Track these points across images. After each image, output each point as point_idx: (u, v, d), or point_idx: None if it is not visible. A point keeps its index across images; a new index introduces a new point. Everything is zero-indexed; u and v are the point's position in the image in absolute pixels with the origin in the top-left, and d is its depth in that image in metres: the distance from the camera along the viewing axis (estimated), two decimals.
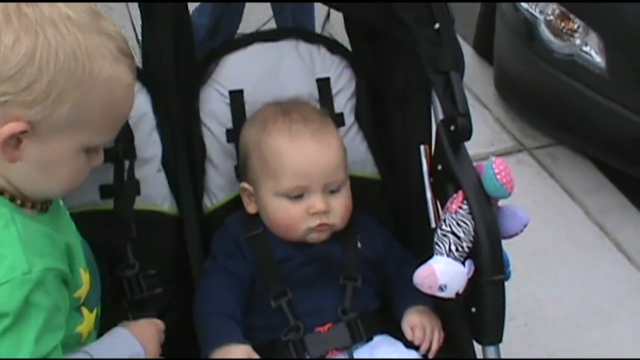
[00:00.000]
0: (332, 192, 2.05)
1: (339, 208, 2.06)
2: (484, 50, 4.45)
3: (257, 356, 1.91)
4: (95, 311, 1.79)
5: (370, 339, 2.03)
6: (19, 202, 1.60)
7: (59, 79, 1.48)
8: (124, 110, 1.65)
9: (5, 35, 1.46)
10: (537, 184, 3.80)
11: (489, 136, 3.93)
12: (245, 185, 2.10)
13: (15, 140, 1.51)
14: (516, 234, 2.00)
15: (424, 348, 2.00)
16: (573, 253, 3.46)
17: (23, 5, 1.48)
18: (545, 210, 3.62)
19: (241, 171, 2.15)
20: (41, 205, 1.65)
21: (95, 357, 1.72)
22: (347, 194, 2.09)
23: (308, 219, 2.03)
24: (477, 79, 4.23)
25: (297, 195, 2.03)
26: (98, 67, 1.52)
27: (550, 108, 3.95)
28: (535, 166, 3.89)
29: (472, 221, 1.91)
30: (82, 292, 1.71)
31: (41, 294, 1.52)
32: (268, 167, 2.04)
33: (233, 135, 2.19)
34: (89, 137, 1.58)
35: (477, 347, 2.02)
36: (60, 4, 1.51)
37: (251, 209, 2.11)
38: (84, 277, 1.73)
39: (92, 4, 1.58)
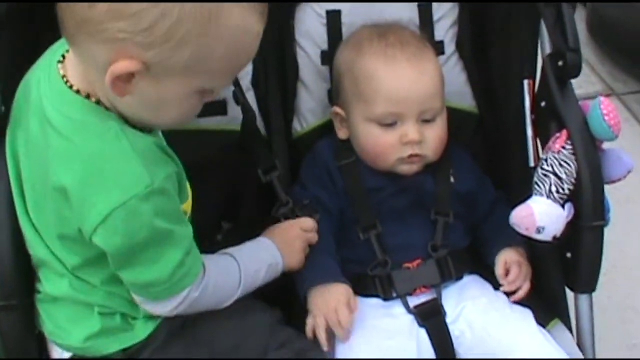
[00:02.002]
0: (427, 121, 1.97)
1: (432, 139, 1.97)
2: None
3: (355, 300, 1.85)
4: None
5: (459, 277, 1.98)
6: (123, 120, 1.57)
7: (182, 25, 1.42)
8: (247, 57, 1.58)
9: None
10: (625, 130, 3.60)
11: (578, 78, 3.82)
12: (337, 109, 2.03)
13: (127, 75, 1.46)
14: (619, 180, 1.95)
15: (511, 287, 1.93)
16: None
17: None
18: (632, 158, 3.51)
19: (334, 95, 2.08)
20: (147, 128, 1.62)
21: (238, 260, 1.76)
22: (442, 125, 2.00)
23: (399, 148, 1.95)
24: None
25: (390, 123, 1.95)
26: (226, 15, 1.45)
27: None
28: (624, 112, 3.78)
29: (574, 162, 1.85)
30: (187, 206, 1.70)
31: (165, 200, 1.55)
32: (361, 91, 1.96)
33: (328, 57, 2.11)
34: (206, 82, 1.53)
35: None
36: None
37: (342, 134, 2.04)
38: (189, 190, 1.70)
39: None
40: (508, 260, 1.96)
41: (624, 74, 3.98)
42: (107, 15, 1.41)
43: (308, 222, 1.92)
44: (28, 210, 1.66)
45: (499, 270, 1.96)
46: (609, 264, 3.03)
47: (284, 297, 1.91)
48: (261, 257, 1.82)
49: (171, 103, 1.54)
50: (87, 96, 1.55)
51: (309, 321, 1.82)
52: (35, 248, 1.67)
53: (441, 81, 2.02)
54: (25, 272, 1.71)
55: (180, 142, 1.68)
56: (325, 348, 1.79)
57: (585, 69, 3.94)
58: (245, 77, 2.06)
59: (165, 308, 1.65)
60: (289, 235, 1.88)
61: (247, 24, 1.49)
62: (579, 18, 4.16)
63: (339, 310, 1.81)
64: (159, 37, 1.42)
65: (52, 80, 1.58)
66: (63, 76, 1.58)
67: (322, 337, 1.80)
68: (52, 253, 1.65)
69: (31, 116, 1.60)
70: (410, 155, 1.96)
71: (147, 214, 1.51)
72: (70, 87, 1.56)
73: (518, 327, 1.87)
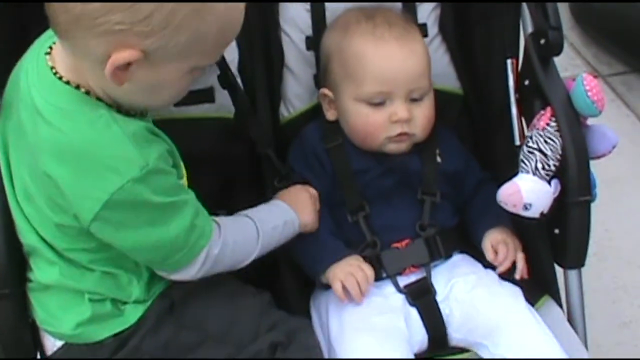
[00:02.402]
0: (415, 100, 1.98)
1: (420, 117, 1.99)
2: None
3: (370, 267, 1.90)
4: None
5: (449, 256, 1.99)
6: (115, 109, 1.59)
7: (179, 9, 1.45)
8: (235, 32, 1.62)
9: None
10: (611, 112, 3.69)
11: (562, 61, 3.77)
12: (325, 91, 2.04)
13: (125, 65, 1.49)
14: (604, 155, 1.95)
15: (505, 265, 1.94)
16: None
17: None
18: (619, 139, 3.52)
19: (321, 77, 2.09)
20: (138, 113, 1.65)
21: (254, 218, 1.80)
22: (430, 104, 2.02)
23: (389, 127, 1.96)
24: None
25: (379, 102, 1.96)
26: None
27: (628, 35, 3.82)
28: (610, 93, 3.78)
29: (560, 139, 1.86)
30: (184, 183, 1.72)
31: (162, 178, 1.58)
32: (349, 71, 1.97)
33: (313, 42, 2.12)
34: (199, 61, 1.58)
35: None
36: None
37: (331, 115, 2.05)
38: (183, 170, 1.73)
39: None
40: (493, 242, 1.97)
41: (609, 56, 3.97)
42: (103, 8, 1.43)
43: (313, 189, 1.97)
44: (18, 200, 1.67)
45: (489, 255, 1.96)
46: (597, 244, 3.07)
47: (272, 281, 1.93)
48: (277, 215, 1.86)
49: (167, 85, 1.58)
50: (77, 87, 1.57)
51: (338, 287, 1.86)
52: (26, 236, 1.69)
53: (428, 61, 2.03)
54: (17, 261, 1.72)
55: (171, 132, 1.70)
56: (359, 299, 1.85)
57: (570, 52, 3.97)
58: (231, 64, 2.05)
59: (190, 272, 1.68)
60: (299, 197, 1.93)
61: (236, 3, 1.55)
62: (563, 3, 4.19)
63: (363, 267, 1.87)
64: (157, 25, 1.45)
65: (40, 72, 1.60)
66: (52, 67, 1.59)
67: (355, 287, 1.85)
68: (43, 240, 1.66)
69: (21, 107, 1.61)
70: (400, 134, 1.97)
71: (146, 194, 1.54)
72: (60, 78, 1.57)
73: (506, 303, 1.88)
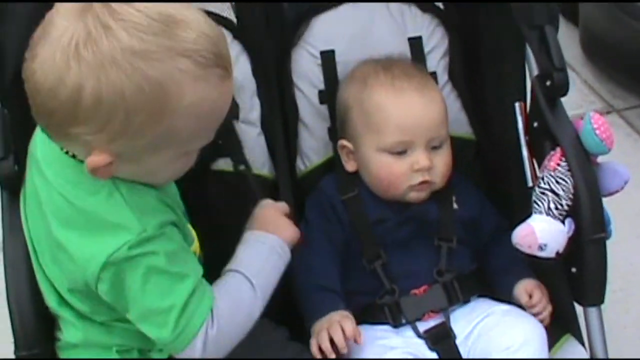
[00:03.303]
0: (435, 148, 2.02)
1: (440, 165, 2.02)
2: (570, 10, 4.35)
3: (352, 322, 1.88)
4: None
5: (467, 301, 2.01)
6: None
7: (135, 117, 1.44)
8: (219, 115, 1.58)
9: (70, 77, 1.42)
10: (628, 145, 3.70)
11: (577, 98, 3.85)
12: (344, 142, 2.07)
13: (106, 164, 1.50)
14: (617, 191, 1.96)
15: (537, 310, 1.96)
16: None
17: (81, 48, 1.41)
18: (638, 172, 3.52)
19: (339, 129, 2.12)
20: None
21: (241, 270, 1.72)
22: (448, 151, 2.05)
23: (410, 175, 2.00)
24: (562, 40, 4.11)
25: (400, 152, 1.99)
26: (176, 94, 1.45)
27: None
28: (626, 127, 3.79)
29: (571, 178, 1.88)
30: (196, 247, 1.74)
31: (162, 245, 1.56)
32: (371, 122, 2.01)
33: (325, 96, 2.16)
34: (183, 148, 1.56)
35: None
36: (126, 22, 1.42)
37: (350, 166, 2.08)
38: (193, 233, 1.75)
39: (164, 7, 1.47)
40: (528, 288, 1.99)
41: (623, 91, 3.98)
42: (65, 120, 1.46)
43: (267, 200, 1.92)
44: (40, 262, 1.70)
45: (523, 299, 1.98)
46: (623, 279, 3.07)
47: (288, 317, 1.96)
48: (257, 249, 1.77)
49: (159, 170, 1.58)
50: (81, 161, 1.56)
51: (313, 341, 1.87)
52: (49, 299, 1.72)
53: (445, 109, 2.07)
54: (45, 321, 1.75)
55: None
56: (331, 356, 1.83)
57: (583, 88, 3.99)
58: (257, 122, 2.12)
59: (193, 354, 1.63)
60: (266, 217, 1.84)
61: (202, 95, 1.48)
62: (574, 39, 4.22)
63: (342, 322, 1.86)
64: (115, 132, 1.45)
65: (48, 143, 1.62)
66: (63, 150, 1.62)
67: (327, 346, 1.84)
68: (66, 303, 1.69)
69: (35, 173, 1.66)
70: (421, 182, 2.01)
71: (143, 260, 1.54)
72: (66, 152, 1.59)
73: (525, 330, 1.89)
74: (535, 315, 1.95)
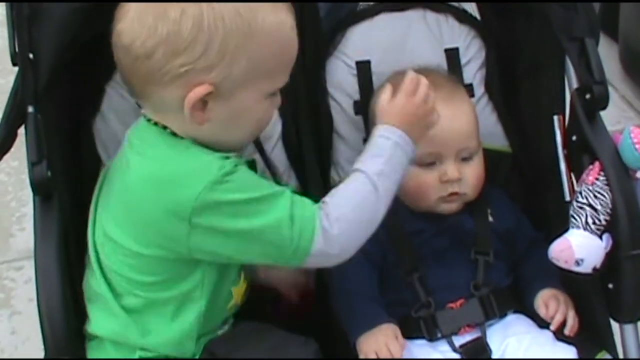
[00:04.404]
0: (465, 159, 2.00)
1: (471, 177, 2.01)
2: (609, 26, 4.31)
3: (401, 337, 1.87)
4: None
5: (503, 315, 1.98)
6: None
7: (230, 39, 1.58)
8: (293, 50, 1.72)
9: (171, 11, 1.57)
10: None
11: (615, 114, 3.83)
12: None
13: (202, 103, 1.61)
14: None
15: (557, 319, 1.93)
16: None
17: None
18: None
19: None
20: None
21: (369, 172, 1.74)
22: (479, 163, 2.04)
23: (439, 187, 1.98)
24: (602, 55, 4.10)
25: (429, 163, 1.98)
26: (262, 18, 1.61)
27: None
28: None
29: (609, 193, 1.85)
30: (238, 295, 1.83)
31: (242, 176, 1.65)
32: None
33: (361, 107, 2.16)
34: (268, 84, 1.68)
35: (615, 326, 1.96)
36: None
37: None
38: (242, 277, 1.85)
39: None
40: (544, 298, 1.97)
41: None
42: (164, 57, 1.58)
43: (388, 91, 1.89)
44: (97, 246, 1.75)
45: (542, 312, 1.95)
46: None
47: (321, 330, 1.93)
48: (382, 147, 1.78)
49: (246, 115, 1.68)
50: (164, 128, 1.69)
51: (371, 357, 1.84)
52: (96, 283, 1.75)
53: (476, 120, 2.06)
54: (76, 328, 1.76)
55: None
56: None
57: (622, 104, 3.97)
58: (274, 136, 2.11)
59: (325, 253, 1.67)
60: (390, 110, 1.84)
61: (281, 20, 1.66)
62: (613, 55, 4.19)
63: (390, 344, 1.84)
64: (214, 57, 1.58)
65: (138, 126, 1.76)
66: (148, 120, 1.72)
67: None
68: (112, 290, 1.73)
69: (117, 158, 1.81)
70: (451, 194, 1.99)
71: (228, 194, 1.60)
72: (155, 123, 1.70)
73: None
74: (558, 327, 1.93)
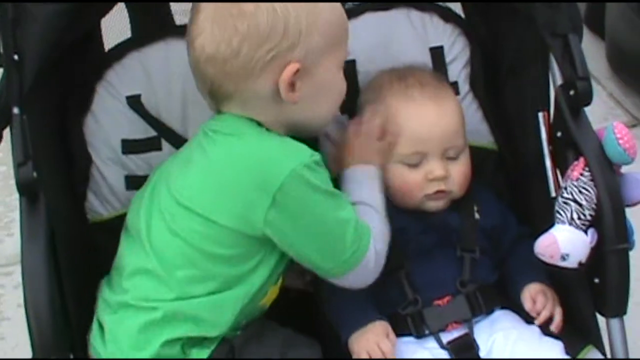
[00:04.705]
0: (451, 158, 2.01)
1: (457, 175, 2.02)
2: (595, 24, 4.34)
3: (392, 334, 1.90)
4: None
5: (490, 312, 1.99)
6: None
7: (301, 17, 1.74)
8: (346, 20, 1.88)
9: (245, 7, 1.72)
10: None
11: (602, 111, 3.84)
12: None
13: (291, 85, 1.76)
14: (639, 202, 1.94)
15: (544, 315, 1.94)
16: None
17: None
18: None
19: None
20: None
21: (374, 205, 1.91)
22: (466, 162, 2.05)
23: (426, 185, 1.99)
24: (588, 53, 4.08)
25: (416, 162, 1.99)
26: None
27: None
28: None
29: (594, 188, 1.86)
30: (270, 296, 1.90)
31: (324, 172, 1.79)
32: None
33: (346, 106, 2.13)
34: (339, 53, 1.85)
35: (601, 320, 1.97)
36: None
37: None
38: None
39: None
40: (532, 292, 1.97)
41: None
42: (250, 49, 1.73)
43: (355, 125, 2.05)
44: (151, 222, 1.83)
45: (527, 305, 1.97)
46: None
47: (321, 332, 1.97)
48: (370, 184, 1.95)
49: (330, 87, 1.85)
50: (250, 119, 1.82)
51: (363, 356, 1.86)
52: (145, 259, 1.80)
53: (462, 119, 2.06)
54: (63, 330, 1.75)
55: None
56: None
57: (609, 101, 3.98)
58: None
59: (366, 270, 1.83)
60: (354, 150, 2.00)
61: None
62: (600, 53, 4.21)
63: (381, 343, 1.86)
64: (294, 35, 1.73)
65: (218, 119, 1.86)
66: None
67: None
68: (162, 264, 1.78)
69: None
70: (437, 192, 2.00)
71: (315, 180, 1.74)
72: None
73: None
74: (543, 322, 1.94)
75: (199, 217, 1.75)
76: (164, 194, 1.82)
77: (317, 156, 1.76)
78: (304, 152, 1.75)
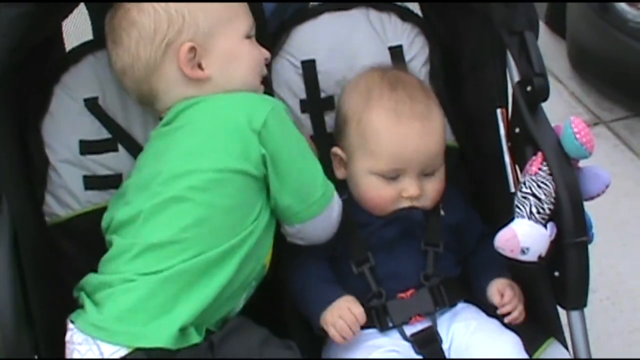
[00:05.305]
0: (427, 175, 2.03)
1: (431, 191, 2.04)
2: (557, 24, 4.38)
3: (359, 306, 1.92)
4: None
5: (453, 305, 2.01)
6: None
7: (180, 5, 1.88)
8: None
9: (130, 15, 1.90)
10: (615, 156, 3.73)
11: (564, 110, 3.87)
12: (337, 151, 2.08)
13: (197, 66, 1.91)
14: (598, 195, 1.96)
15: (506, 309, 1.96)
16: None
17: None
18: (625, 182, 3.54)
19: (335, 133, 2.14)
20: None
21: None
22: (441, 177, 2.07)
23: (398, 200, 2.02)
24: (550, 53, 4.17)
25: (392, 176, 2.01)
26: None
27: (626, 79, 3.87)
28: (613, 139, 3.82)
29: (552, 182, 1.88)
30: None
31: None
32: (366, 144, 2.01)
33: (307, 105, 2.18)
34: (238, 24, 1.97)
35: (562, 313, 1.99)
36: None
37: (340, 174, 2.09)
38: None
39: None
40: (500, 287, 1.99)
41: (609, 102, 4.02)
42: (146, 48, 1.89)
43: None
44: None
45: (495, 298, 1.98)
46: (610, 288, 3.08)
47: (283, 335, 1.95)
48: None
49: (235, 57, 1.96)
50: None
51: (331, 332, 1.90)
52: (157, 234, 1.83)
53: (444, 139, 2.08)
54: (28, 331, 1.76)
55: None
56: (350, 339, 1.90)
57: (571, 100, 4.02)
58: None
59: (327, 220, 1.95)
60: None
61: None
62: (561, 51, 4.24)
63: (351, 308, 1.90)
64: (178, 22, 1.88)
65: (173, 110, 1.94)
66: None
67: (345, 330, 1.89)
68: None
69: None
70: (409, 207, 2.02)
71: (290, 122, 1.92)
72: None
73: (505, 352, 1.89)
74: (506, 314, 1.96)
75: (209, 172, 1.83)
76: (159, 182, 1.86)
77: (283, 105, 1.95)
78: (276, 100, 1.98)
